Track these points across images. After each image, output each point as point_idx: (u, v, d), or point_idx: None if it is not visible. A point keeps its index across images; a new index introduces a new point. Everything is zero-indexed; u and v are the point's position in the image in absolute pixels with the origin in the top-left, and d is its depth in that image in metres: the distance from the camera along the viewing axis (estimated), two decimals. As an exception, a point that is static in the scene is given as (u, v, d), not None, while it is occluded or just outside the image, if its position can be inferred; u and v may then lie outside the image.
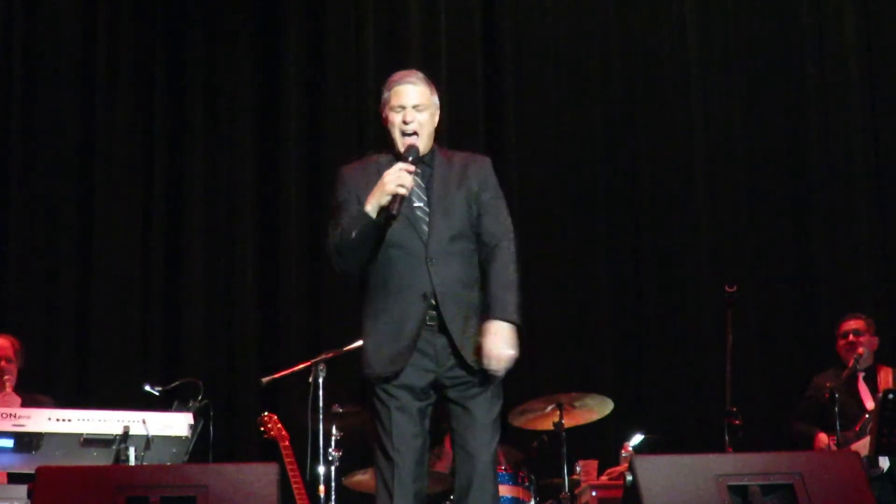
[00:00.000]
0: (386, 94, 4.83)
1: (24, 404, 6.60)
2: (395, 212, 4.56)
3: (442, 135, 8.92)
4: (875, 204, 9.31)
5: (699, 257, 9.30)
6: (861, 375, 7.71)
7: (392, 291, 4.65)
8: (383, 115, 4.84)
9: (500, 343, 4.63)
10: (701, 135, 9.48)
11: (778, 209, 9.41)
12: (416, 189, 4.70)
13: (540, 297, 9.22)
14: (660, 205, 9.46)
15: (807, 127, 9.47)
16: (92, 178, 9.11)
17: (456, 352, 4.63)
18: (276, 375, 7.37)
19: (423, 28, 9.46)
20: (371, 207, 4.58)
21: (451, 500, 4.78)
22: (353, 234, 4.59)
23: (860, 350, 7.67)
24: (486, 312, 4.68)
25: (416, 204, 4.71)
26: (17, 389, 6.76)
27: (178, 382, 6.64)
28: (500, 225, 4.80)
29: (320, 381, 6.94)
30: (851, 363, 7.61)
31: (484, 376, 4.64)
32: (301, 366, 7.16)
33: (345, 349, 6.73)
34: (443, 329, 4.63)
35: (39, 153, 9.08)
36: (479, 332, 4.63)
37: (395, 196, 4.55)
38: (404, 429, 4.60)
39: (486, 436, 4.63)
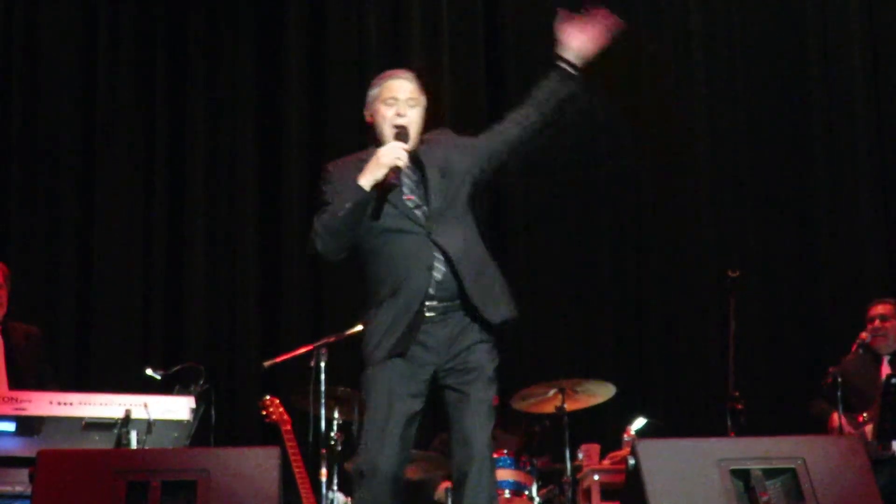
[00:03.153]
0: (376, 90, 4.84)
1: (13, 335, 6.56)
2: (393, 181, 4.57)
3: (445, 123, 8.94)
4: (878, 188, 9.30)
5: (701, 242, 9.30)
6: (886, 359, 7.70)
7: (397, 273, 4.65)
8: (372, 110, 4.84)
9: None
10: (704, 119, 9.47)
11: (781, 193, 9.40)
12: (407, 181, 4.72)
13: (542, 282, 9.23)
14: (662, 190, 9.45)
15: (810, 112, 9.45)
16: (94, 166, 9.10)
17: (474, 314, 4.64)
18: (278, 359, 7.37)
19: (423, 23, 9.44)
20: (365, 181, 4.58)
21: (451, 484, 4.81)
22: (347, 206, 4.58)
23: (863, 335, 7.65)
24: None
25: (409, 195, 4.71)
26: (8, 318, 6.68)
27: (179, 366, 6.64)
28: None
29: (322, 365, 6.94)
30: (855, 347, 7.60)
31: (489, 337, 4.68)
32: (303, 350, 7.17)
33: (346, 333, 6.73)
34: (443, 314, 4.64)
35: (40, 141, 9.06)
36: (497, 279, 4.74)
37: (391, 168, 4.57)
38: (391, 422, 4.58)
39: (482, 418, 4.62)
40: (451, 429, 4.68)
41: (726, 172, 9.46)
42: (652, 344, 9.24)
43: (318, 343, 7.01)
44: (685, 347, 9.15)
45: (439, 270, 4.64)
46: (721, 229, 9.34)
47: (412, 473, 7.37)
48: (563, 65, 4.80)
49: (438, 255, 4.64)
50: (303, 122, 9.30)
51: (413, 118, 4.77)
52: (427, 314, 4.63)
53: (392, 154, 4.58)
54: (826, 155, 9.37)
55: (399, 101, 4.77)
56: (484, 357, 4.67)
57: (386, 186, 4.58)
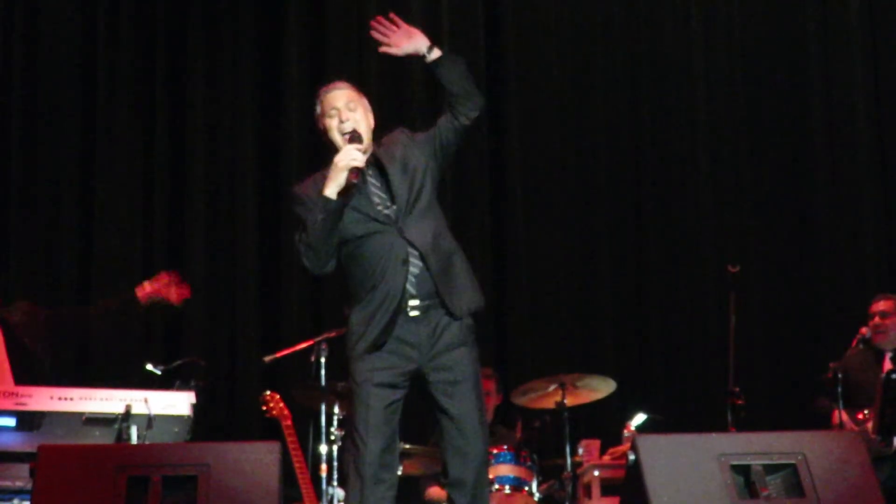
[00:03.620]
0: (318, 107, 5.05)
1: (9, 320, 6.56)
2: (354, 181, 4.77)
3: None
4: (878, 183, 9.31)
5: (702, 237, 9.31)
6: (888, 355, 7.71)
7: (374, 272, 4.82)
8: (321, 127, 5.05)
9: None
10: (704, 113, 9.49)
11: (781, 189, 9.40)
12: (371, 182, 4.90)
13: (542, 277, 9.23)
14: (662, 185, 9.46)
15: (810, 108, 9.46)
16: (93, 163, 9.09)
17: (442, 303, 4.81)
18: (278, 354, 7.38)
19: (423, 22, 9.43)
20: (330, 191, 4.77)
21: (447, 487, 4.90)
22: (319, 218, 4.77)
23: (863, 330, 7.65)
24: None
25: (376, 201, 4.88)
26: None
27: (180, 361, 6.65)
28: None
29: (322, 359, 6.95)
30: (855, 343, 7.62)
31: (470, 337, 4.87)
32: (303, 345, 7.18)
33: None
34: (425, 312, 4.79)
35: (40, 139, 9.06)
36: (463, 270, 4.90)
37: (350, 170, 4.75)
38: (374, 415, 4.73)
39: (476, 429, 4.81)
40: (442, 439, 4.85)
41: (726, 168, 9.46)
42: (652, 339, 9.25)
43: (319, 338, 7.03)
44: (685, 343, 9.15)
45: (415, 265, 4.81)
46: (721, 225, 9.35)
47: (411, 469, 7.38)
48: (432, 57, 4.93)
49: (412, 251, 4.80)
50: (302, 122, 9.28)
51: (357, 119, 4.96)
52: (410, 313, 4.79)
53: (347, 157, 4.77)
54: (826, 150, 9.38)
55: (339, 109, 4.96)
56: (465, 361, 4.84)
57: (350, 188, 4.77)
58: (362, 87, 9.07)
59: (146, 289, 6.79)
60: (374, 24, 5.00)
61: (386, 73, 9.33)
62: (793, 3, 9.60)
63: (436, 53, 4.94)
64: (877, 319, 7.69)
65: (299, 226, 4.90)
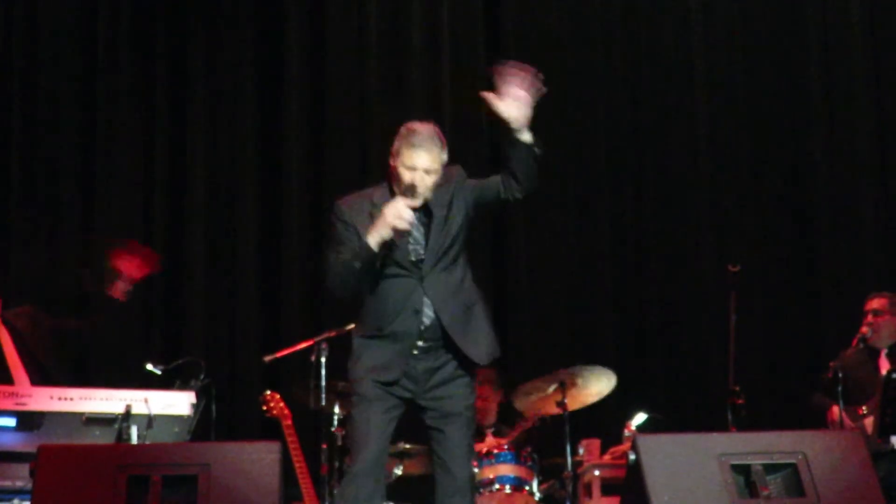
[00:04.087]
0: (400, 148, 5.01)
1: (17, 324, 6.57)
2: (398, 245, 4.94)
3: (445, 121, 8.97)
4: (878, 182, 9.31)
5: (702, 236, 9.30)
6: (884, 352, 7.72)
7: (386, 313, 5.01)
8: (392, 163, 5.04)
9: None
10: (704, 112, 9.48)
11: (781, 188, 9.40)
12: (413, 232, 5.00)
13: (542, 277, 9.23)
14: (663, 183, 9.45)
15: (810, 106, 9.45)
16: (94, 161, 9.07)
17: (457, 351, 5.02)
18: (279, 354, 7.39)
19: (423, 21, 9.44)
20: (373, 241, 4.88)
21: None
22: (357, 265, 4.91)
23: (863, 330, 7.66)
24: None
25: (412, 245, 5.01)
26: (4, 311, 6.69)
27: (180, 361, 6.65)
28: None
29: (323, 359, 6.96)
30: (855, 342, 7.63)
31: (467, 372, 5.07)
32: (303, 344, 7.19)
33: (347, 328, 6.71)
34: (427, 352, 5.00)
35: (40, 137, 9.04)
36: (481, 320, 5.12)
37: (395, 231, 4.87)
38: (374, 427, 4.97)
39: (464, 455, 5.04)
40: (434, 461, 5.08)
41: (727, 167, 9.45)
42: (653, 339, 9.24)
43: (319, 338, 7.03)
44: (686, 342, 9.15)
45: (427, 316, 4.99)
46: (722, 224, 9.34)
47: (411, 469, 7.38)
48: (518, 137, 4.96)
49: (427, 301, 4.97)
50: (303, 119, 9.28)
51: (429, 185, 4.99)
52: (413, 352, 5.01)
53: (397, 215, 4.84)
54: (826, 149, 9.37)
55: (417, 170, 4.97)
56: (461, 395, 5.05)
57: (392, 243, 4.92)
58: (361, 85, 9.24)
59: (118, 287, 6.83)
60: (512, 69, 5.07)
61: (386, 66, 9.34)
62: (792, 3, 9.59)
63: (526, 135, 4.96)
64: (870, 318, 7.72)
65: (335, 244, 5.04)
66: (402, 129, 5.07)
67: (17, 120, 9.05)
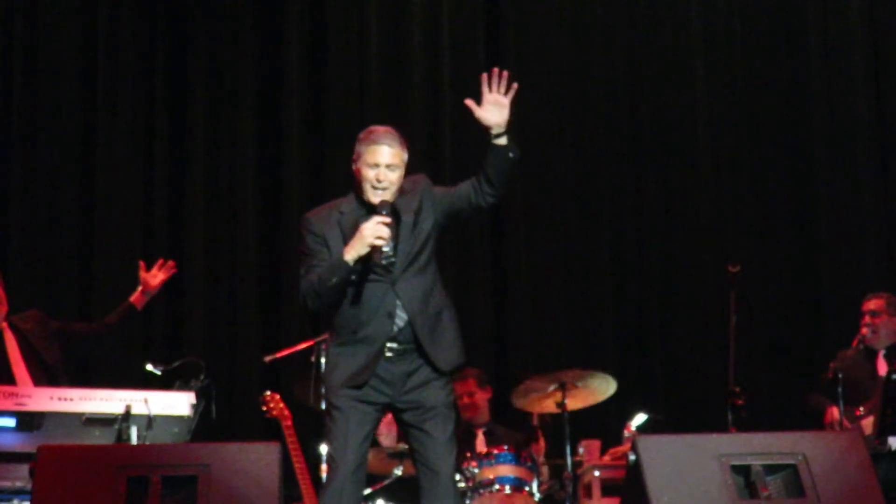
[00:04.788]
0: (361, 148, 5.11)
1: (22, 326, 6.57)
2: (375, 261, 4.96)
3: (445, 122, 8.97)
4: (879, 180, 9.32)
5: (702, 237, 9.30)
6: (881, 353, 7.72)
7: (359, 318, 5.04)
8: (355, 167, 5.12)
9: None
10: (704, 111, 9.49)
11: (781, 187, 9.41)
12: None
13: (541, 277, 9.24)
14: (663, 184, 9.46)
15: (810, 103, 9.46)
16: (93, 161, 9.07)
17: (426, 357, 5.06)
18: (279, 354, 7.39)
19: (423, 20, 9.45)
20: (350, 257, 4.93)
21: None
22: (334, 281, 4.95)
23: (863, 331, 7.66)
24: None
25: (384, 249, 5.00)
26: (10, 314, 6.68)
27: (179, 362, 6.63)
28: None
29: (322, 359, 6.94)
30: (855, 343, 7.64)
31: (442, 374, 5.10)
32: (303, 345, 7.18)
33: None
34: (401, 354, 5.04)
35: (40, 133, 9.05)
36: (449, 327, 5.15)
37: (373, 247, 4.91)
38: (351, 437, 4.99)
39: (445, 452, 5.05)
40: (415, 460, 5.13)
41: (727, 167, 9.46)
42: (653, 339, 9.25)
43: (319, 338, 7.02)
44: (685, 343, 9.15)
45: (401, 318, 5.03)
46: (722, 224, 9.35)
47: (410, 469, 7.37)
48: (496, 142, 5.05)
49: (399, 304, 5.03)
50: (303, 118, 9.29)
51: (393, 180, 5.06)
52: (387, 354, 5.03)
53: (374, 233, 4.90)
54: (826, 147, 9.40)
55: (380, 166, 5.04)
56: (439, 394, 5.08)
57: (368, 259, 4.95)
58: (361, 83, 9.23)
59: (141, 295, 6.87)
60: (491, 74, 5.07)
61: (386, 65, 9.35)
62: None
63: (504, 139, 5.05)
64: (867, 318, 7.72)
65: (306, 257, 5.10)
66: (361, 134, 5.16)
67: (16, 115, 9.04)
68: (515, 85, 5.03)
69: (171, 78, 9.29)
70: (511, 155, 5.05)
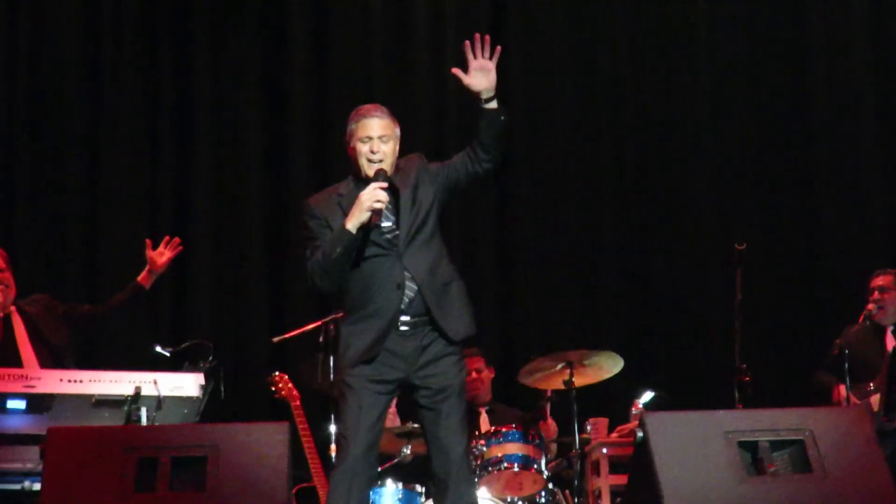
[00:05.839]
0: (353, 126, 5.16)
1: (29, 311, 6.60)
2: (374, 223, 4.98)
3: (450, 106, 8.95)
4: (882, 157, 9.32)
5: (707, 215, 9.31)
6: (889, 329, 7.72)
7: (370, 291, 5.05)
8: (350, 145, 5.17)
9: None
10: (707, 89, 9.48)
11: (785, 165, 9.41)
12: (383, 210, 5.05)
13: (547, 256, 9.24)
14: (667, 162, 9.46)
15: (813, 80, 9.46)
16: (98, 144, 9.08)
17: (437, 327, 5.05)
18: (287, 335, 7.39)
19: (427, 9, 9.45)
20: (352, 225, 4.97)
21: (432, 483, 5.10)
22: (338, 251, 4.99)
23: (869, 307, 7.67)
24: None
25: (385, 224, 5.07)
26: (17, 299, 6.71)
27: (188, 343, 6.65)
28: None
29: (330, 340, 6.95)
30: (861, 319, 7.64)
31: (455, 349, 5.10)
32: (311, 326, 7.19)
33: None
34: (414, 328, 5.04)
35: (45, 117, 9.05)
36: (459, 297, 5.14)
37: (373, 211, 4.94)
38: (364, 417, 4.96)
39: (457, 431, 5.05)
40: (427, 440, 5.11)
41: (731, 144, 9.46)
42: (659, 317, 9.25)
43: (327, 319, 7.04)
44: (692, 320, 9.16)
45: (410, 289, 5.04)
46: (727, 202, 9.35)
47: (421, 448, 7.38)
48: (486, 106, 5.09)
49: (408, 275, 5.03)
50: (308, 98, 9.28)
51: (387, 152, 5.11)
52: (401, 328, 5.04)
53: (372, 197, 4.95)
54: (830, 124, 9.40)
55: (373, 139, 5.09)
56: (451, 371, 5.07)
57: (369, 225, 4.98)
58: (365, 63, 9.23)
59: (148, 274, 6.87)
60: (473, 40, 5.09)
61: (391, 61, 9.35)
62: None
63: (494, 103, 5.09)
64: (876, 294, 7.72)
65: (310, 241, 5.13)
66: (351, 113, 5.21)
67: (23, 105, 9.05)
68: (499, 48, 5.07)
69: (176, 56, 9.28)
70: (503, 118, 5.09)
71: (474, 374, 7.88)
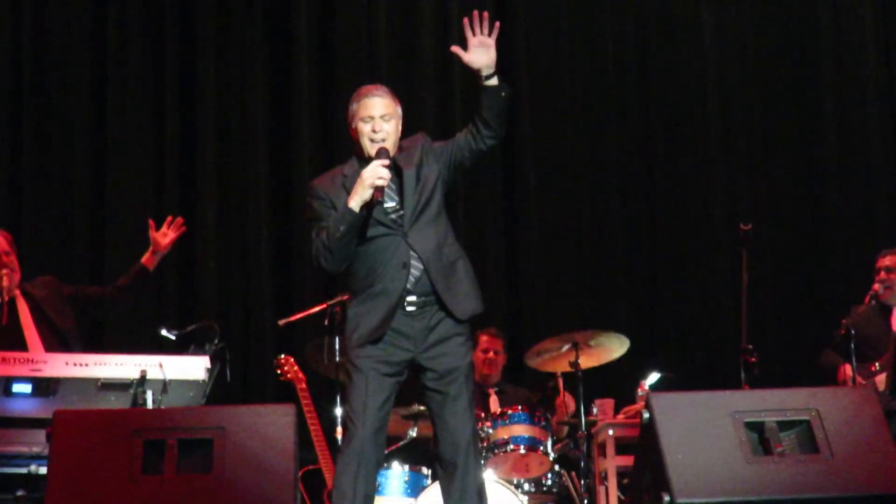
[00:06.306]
0: (354, 106, 5.18)
1: (34, 293, 6.60)
2: (378, 199, 4.95)
3: (455, 92, 8.93)
4: (889, 138, 9.30)
5: (713, 195, 9.30)
6: (895, 310, 7.71)
7: (375, 271, 5.05)
8: (352, 126, 5.17)
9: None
10: (714, 72, 9.47)
11: (791, 146, 9.40)
12: (387, 190, 5.04)
13: (554, 238, 9.24)
14: (674, 143, 9.45)
15: (820, 63, 9.44)
16: (104, 126, 9.07)
17: (443, 306, 5.04)
18: (293, 318, 7.40)
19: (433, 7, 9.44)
20: (355, 203, 4.97)
21: (439, 465, 5.08)
22: (342, 229, 4.98)
23: (875, 287, 7.66)
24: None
25: (389, 204, 5.07)
26: (23, 282, 6.71)
27: (194, 326, 6.65)
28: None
29: (336, 323, 6.96)
30: (867, 299, 7.63)
31: (463, 329, 5.09)
32: (317, 308, 7.19)
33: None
34: (421, 308, 5.03)
35: (52, 106, 9.05)
36: (465, 276, 5.14)
37: (375, 188, 4.93)
38: (371, 399, 4.96)
39: (465, 413, 5.04)
40: (434, 423, 5.10)
41: (737, 125, 9.45)
42: (665, 298, 9.25)
43: (332, 301, 7.04)
44: (698, 301, 9.16)
45: (416, 268, 5.04)
46: (733, 182, 9.34)
47: (427, 430, 7.39)
48: (487, 83, 5.10)
49: (414, 254, 5.04)
50: (312, 81, 9.27)
51: (389, 131, 5.12)
52: (407, 308, 5.03)
53: (374, 174, 4.95)
54: (836, 105, 9.37)
55: (374, 118, 5.10)
56: (459, 353, 5.07)
57: (372, 203, 4.97)
58: (370, 45, 9.22)
59: (152, 256, 6.87)
60: (472, 17, 5.11)
61: (395, 56, 9.35)
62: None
63: (494, 80, 5.10)
64: (882, 274, 7.70)
65: (315, 222, 5.12)
66: (353, 95, 5.21)
67: (27, 86, 9.05)
68: (498, 24, 5.08)
69: (182, 42, 9.27)
70: (503, 94, 5.09)
71: (491, 354, 7.92)
